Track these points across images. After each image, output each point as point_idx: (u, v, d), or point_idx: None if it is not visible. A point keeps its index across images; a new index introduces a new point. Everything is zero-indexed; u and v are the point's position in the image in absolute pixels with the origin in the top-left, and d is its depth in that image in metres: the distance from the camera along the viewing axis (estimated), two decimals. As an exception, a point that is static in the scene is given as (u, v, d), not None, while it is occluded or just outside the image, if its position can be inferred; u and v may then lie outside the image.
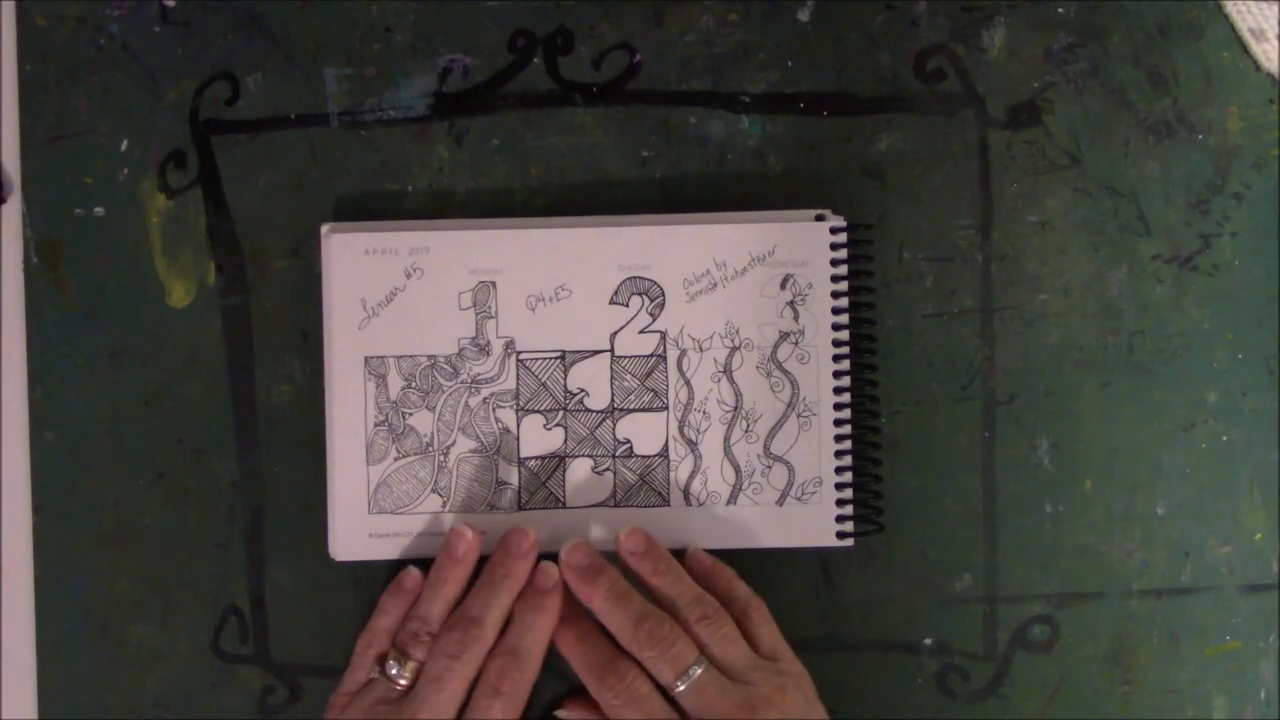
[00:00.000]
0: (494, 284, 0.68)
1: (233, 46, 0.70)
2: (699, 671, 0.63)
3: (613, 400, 0.68)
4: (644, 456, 0.68)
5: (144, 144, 0.70)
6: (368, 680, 0.65)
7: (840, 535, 0.68)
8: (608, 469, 0.68)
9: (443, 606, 0.66)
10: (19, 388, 0.70)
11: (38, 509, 0.70)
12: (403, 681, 0.64)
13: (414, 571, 0.67)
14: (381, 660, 0.65)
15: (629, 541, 0.66)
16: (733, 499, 0.68)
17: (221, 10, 0.70)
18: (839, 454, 0.68)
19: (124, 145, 0.70)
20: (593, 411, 0.68)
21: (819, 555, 0.70)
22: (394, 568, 0.68)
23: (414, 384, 0.68)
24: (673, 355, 0.68)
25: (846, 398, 0.68)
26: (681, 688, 0.62)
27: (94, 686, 0.70)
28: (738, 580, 0.67)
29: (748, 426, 0.68)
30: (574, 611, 0.66)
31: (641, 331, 0.68)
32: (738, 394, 0.68)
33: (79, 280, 0.70)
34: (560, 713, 0.68)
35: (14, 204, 0.70)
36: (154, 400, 0.70)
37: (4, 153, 0.70)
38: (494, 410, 0.68)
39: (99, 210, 0.70)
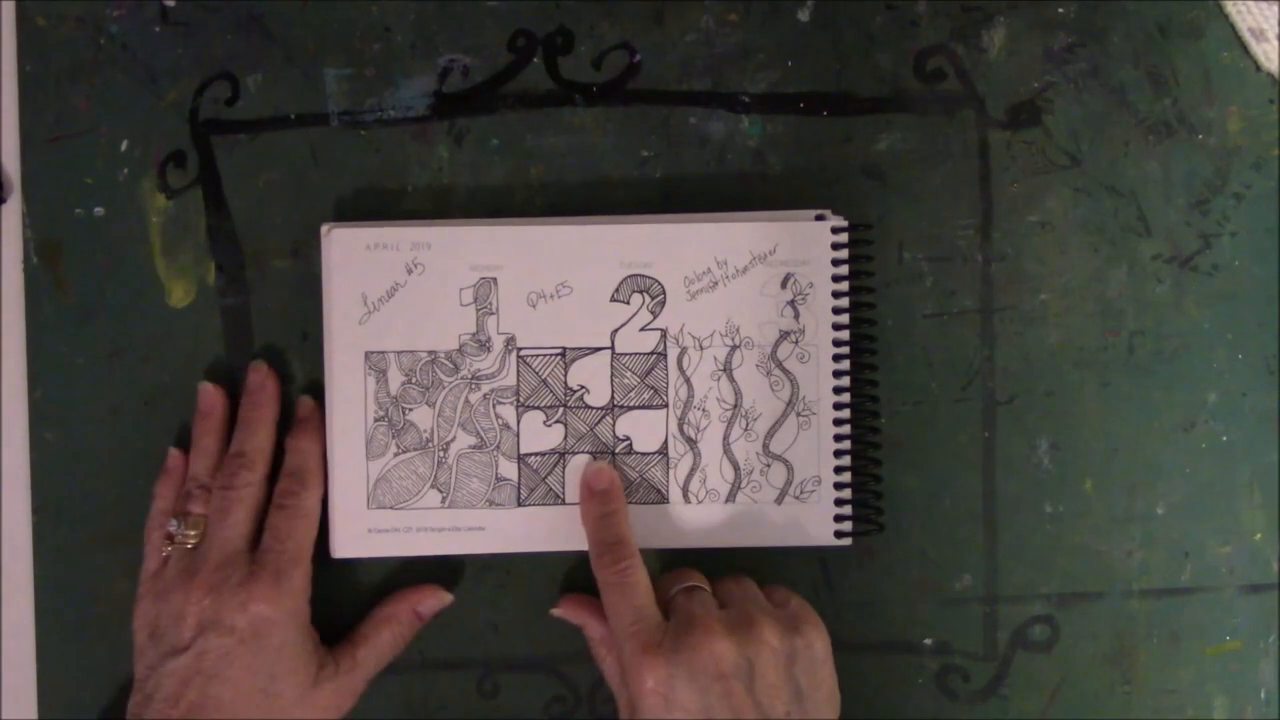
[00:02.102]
0: (495, 280, 0.68)
1: (233, 46, 0.70)
2: (698, 587, 0.64)
3: (613, 397, 0.68)
4: (643, 454, 0.68)
5: (144, 144, 0.70)
6: (164, 558, 0.66)
7: (839, 534, 0.68)
8: (608, 463, 0.68)
9: (207, 461, 0.68)
10: (19, 388, 0.70)
11: (38, 509, 0.70)
12: (192, 535, 0.65)
13: (173, 450, 0.69)
14: (169, 535, 0.66)
15: (595, 478, 0.68)
16: (731, 497, 0.68)
17: (221, 10, 0.70)
18: (838, 453, 0.68)
19: (124, 145, 0.70)
20: (593, 408, 0.68)
21: (819, 555, 0.70)
22: (393, 566, 0.68)
23: (414, 379, 0.68)
24: (673, 353, 0.68)
25: (846, 397, 0.68)
26: (672, 593, 0.64)
27: (94, 686, 0.70)
28: None
29: (747, 425, 0.68)
30: (603, 493, 0.67)
31: (642, 329, 0.68)
32: (737, 392, 0.68)
33: (79, 280, 0.70)
34: (555, 610, 0.68)
35: (14, 204, 0.70)
36: (154, 400, 0.70)
37: (4, 153, 0.70)
38: (494, 406, 0.68)
39: (99, 210, 0.70)
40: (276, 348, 0.70)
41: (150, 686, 0.63)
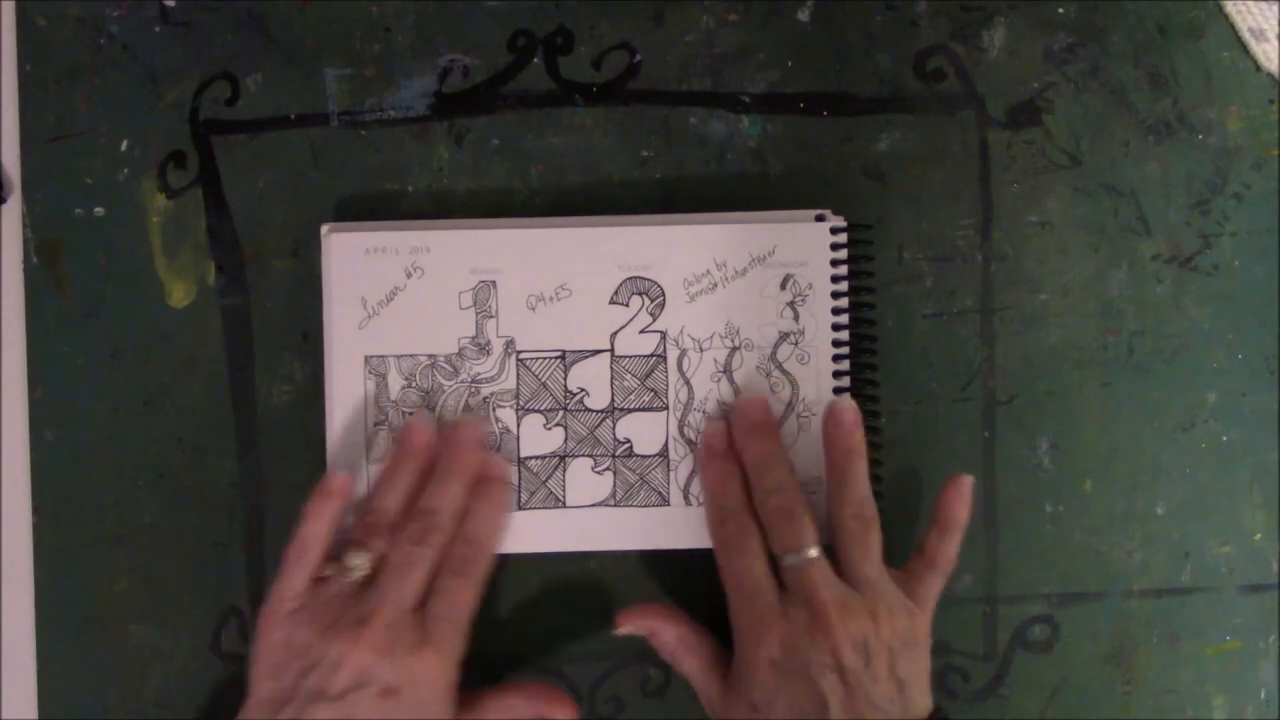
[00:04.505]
0: (494, 283, 0.68)
1: (233, 46, 0.70)
2: (810, 553, 0.63)
3: (613, 400, 0.68)
4: (644, 456, 0.68)
5: (144, 144, 0.70)
6: (313, 582, 0.64)
7: (840, 535, 0.68)
8: (608, 468, 0.68)
9: (399, 498, 0.66)
10: (19, 388, 0.70)
11: (38, 509, 0.70)
12: (363, 572, 0.64)
13: (341, 475, 0.67)
14: (335, 557, 0.65)
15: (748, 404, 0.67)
16: (733, 499, 0.68)
17: (221, 10, 0.70)
18: (839, 454, 0.68)
19: (124, 145, 0.70)
20: (593, 411, 0.68)
21: (819, 555, 0.70)
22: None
23: (414, 383, 0.68)
24: (673, 355, 0.68)
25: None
26: (788, 562, 0.63)
27: (94, 686, 0.70)
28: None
29: (748, 426, 0.68)
30: (727, 454, 0.67)
31: (642, 331, 0.68)
32: (737, 394, 0.68)
33: (79, 280, 0.70)
34: (620, 629, 0.67)
35: (14, 204, 0.70)
36: (154, 400, 0.70)
37: (4, 153, 0.70)
38: (494, 410, 0.68)
39: (99, 210, 0.70)
40: (276, 348, 0.70)
41: (279, 713, 0.61)
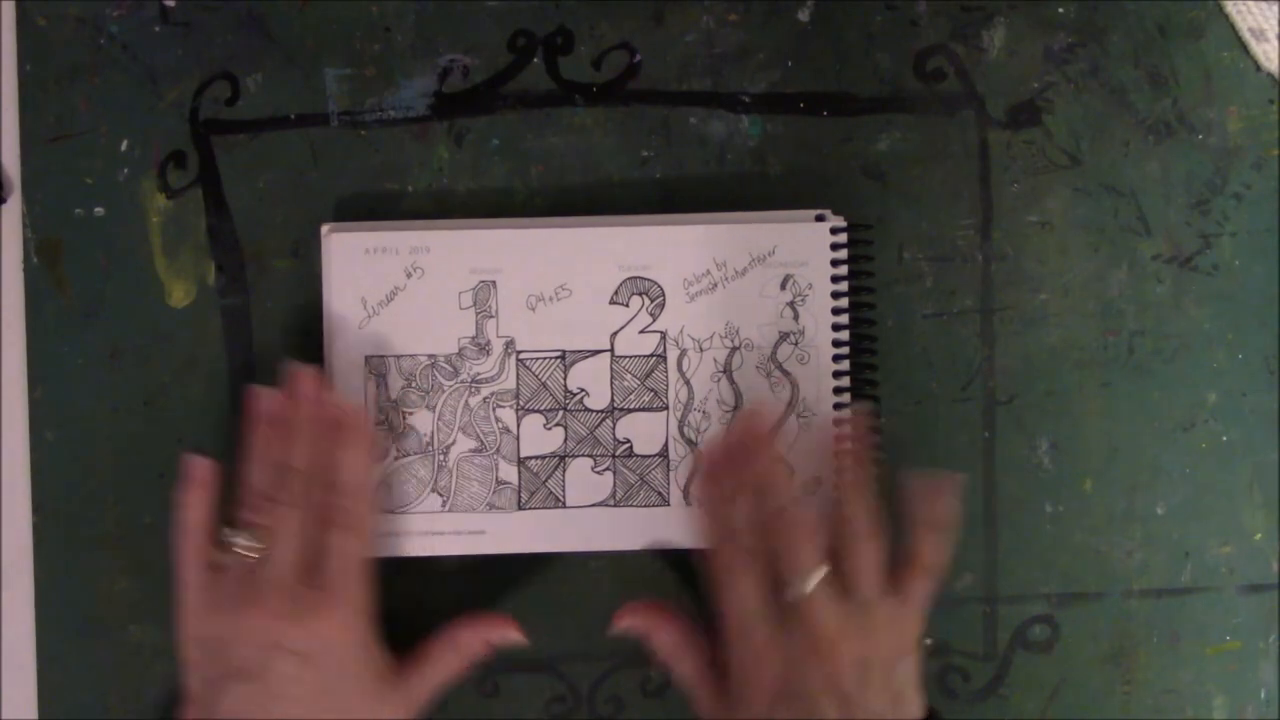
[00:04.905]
0: (494, 283, 0.68)
1: (233, 46, 0.70)
2: (813, 579, 0.62)
3: (613, 400, 0.68)
4: (644, 456, 0.68)
5: (144, 144, 0.70)
6: (212, 570, 0.64)
7: (840, 535, 0.68)
8: (607, 468, 0.68)
9: (266, 469, 0.65)
10: (19, 388, 0.70)
11: (38, 509, 0.70)
12: (255, 551, 0.64)
13: (203, 460, 0.66)
14: (224, 544, 0.64)
15: (748, 419, 0.66)
16: (733, 499, 0.68)
17: (221, 10, 0.70)
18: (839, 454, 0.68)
19: (124, 145, 0.70)
20: (593, 411, 0.68)
21: (819, 555, 0.70)
22: (393, 565, 0.68)
23: (414, 383, 0.68)
24: (673, 355, 0.68)
25: (846, 398, 0.68)
26: (790, 591, 0.62)
27: (94, 686, 0.70)
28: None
29: (748, 426, 0.68)
30: (726, 472, 0.65)
31: (641, 331, 0.68)
32: (737, 394, 0.68)
33: (79, 280, 0.70)
34: (619, 626, 0.67)
35: (14, 204, 0.70)
36: (154, 400, 0.70)
37: (4, 153, 0.70)
38: (494, 410, 0.68)
39: (99, 210, 0.70)
40: (276, 348, 0.70)
41: (209, 704, 0.62)
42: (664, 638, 0.66)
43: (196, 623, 0.64)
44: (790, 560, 0.62)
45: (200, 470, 0.66)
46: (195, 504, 0.65)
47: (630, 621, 0.67)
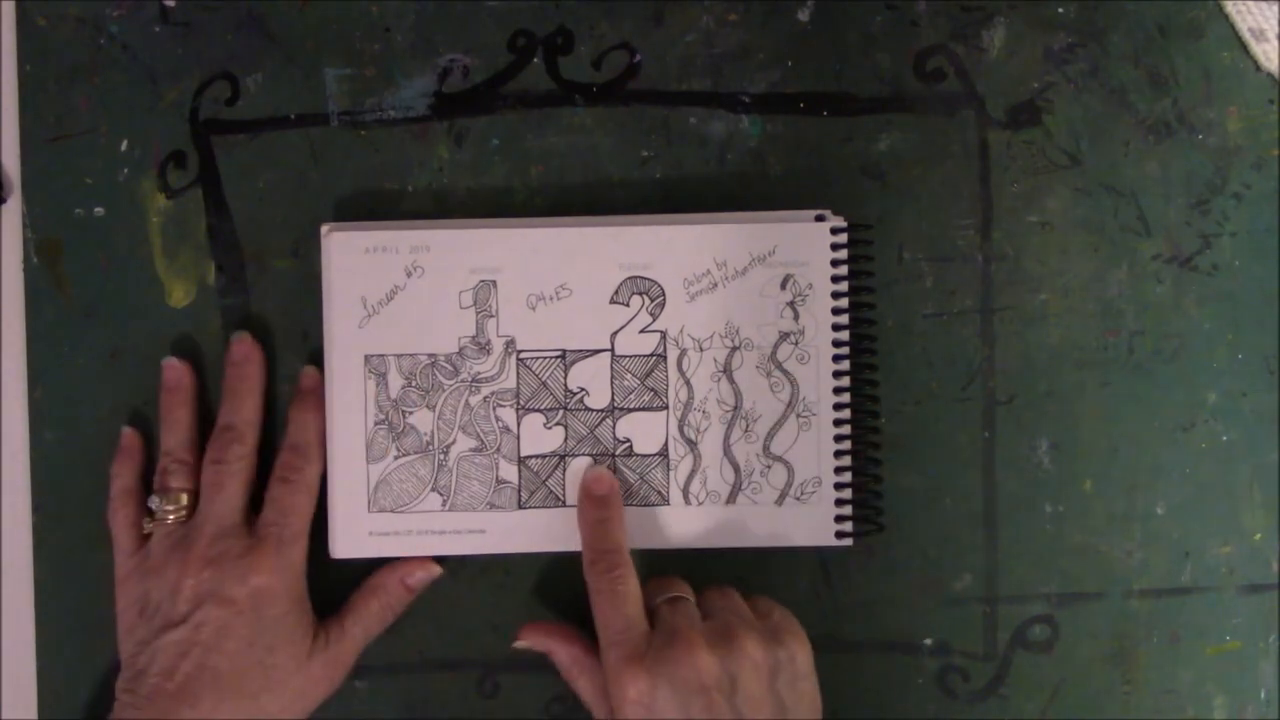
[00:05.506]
0: (494, 283, 0.68)
1: (233, 46, 0.70)
2: (681, 598, 0.64)
3: (613, 399, 0.68)
4: (644, 456, 0.68)
5: (144, 144, 0.70)
6: (141, 538, 0.67)
7: (839, 535, 0.68)
8: (607, 468, 0.68)
9: (181, 436, 0.68)
10: (19, 388, 0.70)
11: (38, 509, 0.70)
12: (174, 510, 0.66)
13: (128, 430, 0.70)
14: (145, 510, 0.68)
15: (594, 484, 0.68)
16: (732, 499, 0.68)
17: (221, 10, 0.70)
18: (838, 454, 0.68)
19: (124, 145, 0.70)
20: (593, 410, 0.68)
21: (819, 555, 0.70)
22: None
23: (414, 382, 0.68)
24: (673, 355, 0.68)
25: (846, 398, 0.68)
26: (660, 599, 0.64)
27: (94, 686, 0.70)
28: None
29: (747, 426, 0.68)
30: (601, 499, 0.67)
31: (642, 331, 0.68)
32: (737, 394, 0.68)
33: (79, 280, 0.70)
34: (518, 643, 0.67)
35: (14, 204, 0.70)
36: (154, 400, 0.70)
37: (4, 153, 0.70)
38: (494, 409, 0.68)
39: (99, 210, 0.70)
40: (276, 348, 0.70)
41: (143, 661, 0.63)
42: (560, 657, 0.66)
43: (127, 590, 0.66)
44: (661, 583, 0.66)
45: (126, 439, 0.69)
46: (122, 473, 0.69)
47: (530, 640, 0.67)
